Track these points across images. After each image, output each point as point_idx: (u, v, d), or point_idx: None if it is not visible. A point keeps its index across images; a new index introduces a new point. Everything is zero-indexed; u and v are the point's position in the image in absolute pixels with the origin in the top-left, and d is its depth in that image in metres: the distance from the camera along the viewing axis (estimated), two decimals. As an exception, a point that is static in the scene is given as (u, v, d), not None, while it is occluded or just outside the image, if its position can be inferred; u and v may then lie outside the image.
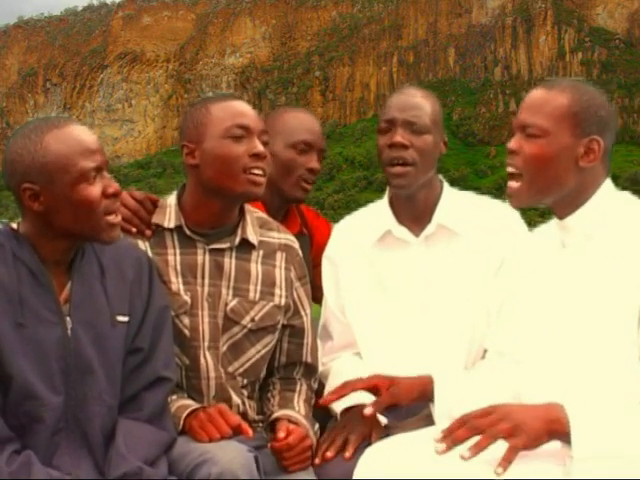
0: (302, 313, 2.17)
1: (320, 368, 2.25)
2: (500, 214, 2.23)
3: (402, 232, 2.20)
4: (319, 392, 2.20)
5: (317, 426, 2.06)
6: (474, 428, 1.57)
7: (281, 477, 1.88)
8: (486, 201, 2.29)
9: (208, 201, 2.03)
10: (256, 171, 1.97)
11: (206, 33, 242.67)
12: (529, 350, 1.86)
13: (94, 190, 1.69)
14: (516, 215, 2.24)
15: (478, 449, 1.53)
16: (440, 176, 2.28)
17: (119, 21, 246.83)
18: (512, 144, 1.82)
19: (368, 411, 1.83)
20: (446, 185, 2.27)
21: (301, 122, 2.49)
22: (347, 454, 1.91)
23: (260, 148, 1.98)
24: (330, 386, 2.17)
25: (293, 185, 2.44)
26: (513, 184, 1.82)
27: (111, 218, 1.73)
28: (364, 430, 1.97)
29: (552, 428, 1.57)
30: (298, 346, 2.16)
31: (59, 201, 1.68)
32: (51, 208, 1.69)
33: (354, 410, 2.01)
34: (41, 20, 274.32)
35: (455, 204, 2.21)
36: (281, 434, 1.88)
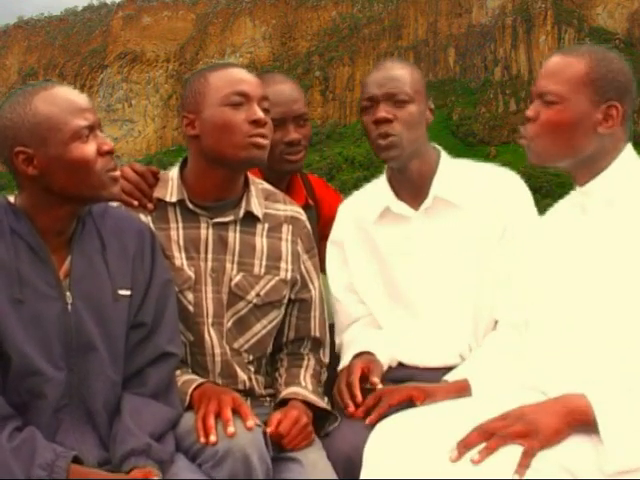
0: (310, 287, 2.14)
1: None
2: (501, 180, 2.19)
3: (400, 207, 2.18)
4: (334, 365, 2.20)
5: (327, 399, 2.03)
6: (485, 432, 1.55)
7: (290, 453, 1.86)
8: (486, 169, 2.25)
9: (211, 171, 1.99)
10: (258, 137, 1.94)
11: (206, 33, 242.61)
12: (545, 320, 1.81)
13: (88, 148, 1.65)
14: (518, 180, 2.21)
15: (488, 451, 1.51)
16: (436, 146, 2.25)
17: (119, 21, 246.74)
18: (530, 111, 1.79)
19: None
20: (444, 155, 2.22)
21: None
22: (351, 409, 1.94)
23: (260, 114, 1.94)
24: (346, 355, 2.17)
25: (277, 161, 2.37)
26: (522, 142, 1.81)
27: (111, 173, 1.69)
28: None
29: (572, 419, 1.53)
30: (306, 320, 2.13)
31: (53, 162, 1.64)
32: (46, 170, 1.65)
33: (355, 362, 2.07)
34: (41, 20, 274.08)
35: (453, 175, 2.18)
36: (270, 428, 1.83)
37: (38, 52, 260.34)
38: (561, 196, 1.95)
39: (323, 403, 1.98)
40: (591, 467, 1.52)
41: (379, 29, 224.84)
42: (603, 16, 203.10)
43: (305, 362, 2.12)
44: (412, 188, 2.18)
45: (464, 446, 1.54)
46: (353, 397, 1.95)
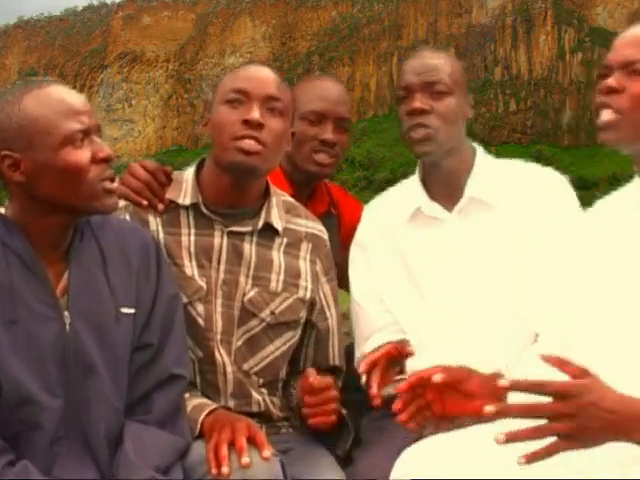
0: (327, 314, 1.98)
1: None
2: (541, 180, 2.03)
3: (433, 208, 2.02)
4: (356, 385, 1.98)
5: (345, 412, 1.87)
6: (535, 411, 1.33)
7: None
8: (526, 167, 2.10)
9: (220, 174, 1.84)
10: (244, 140, 1.76)
11: (206, 33, 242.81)
12: (595, 327, 1.64)
13: (81, 155, 1.50)
14: (561, 179, 2.05)
15: (516, 438, 1.30)
16: (473, 143, 2.11)
17: (119, 21, 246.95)
18: (613, 81, 1.64)
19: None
20: (480, 152, 2.08)
21: (314, 90, 2.27)
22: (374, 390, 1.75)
23: (253, 115, 1.76)
24: (361, 336, 2.05)
25: (305, 159, 2.23)
26: (608, 115, 1.65)
27: (107, 184, 1.53)
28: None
29: (623, 436, 1.32)
30: (324, 350, 1.98)
31: (41, 169, 1.49)
32: (33, 177, 1.50)
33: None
34: (41, 20, 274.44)
35: (489, 173, 2.03)
36: (308, 379, 1.69)
37: (38, 52, 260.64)
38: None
39: (342, 410, 1.82)
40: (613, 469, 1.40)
41: (379, 29, 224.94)
42: (603, 16, 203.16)
43: None
44: (446, 188, 2.03)
45: (504, 412, 1.33)
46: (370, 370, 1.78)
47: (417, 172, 2.10)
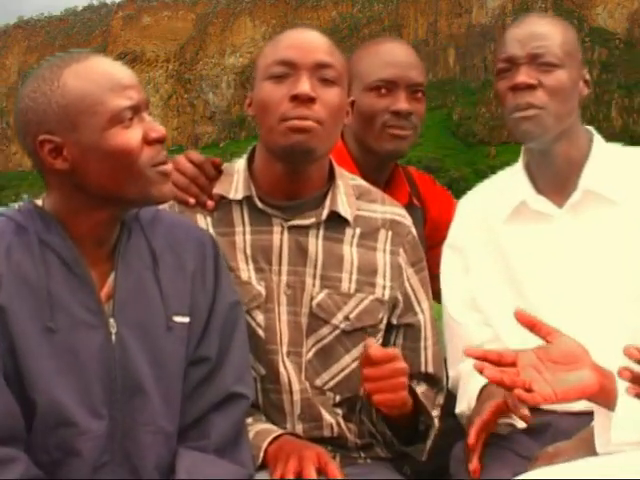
0: (417, 309, 1.72)
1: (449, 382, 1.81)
2: None
3: (540, 202, 1.77)
4: (448, 410, 1.75)
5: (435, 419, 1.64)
6: None
7: None
8: None
9: (272, 161, 1.61)
10: (294, 120, 1.53)
11: (206, 33, 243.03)
12: None
13: (131, 135, 1.32)
14: None
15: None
16: (589, 127, 1.85)
17: (119, 21, 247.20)
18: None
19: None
20: (597, 138, 1.81)
21: (378, 56, 2.00)
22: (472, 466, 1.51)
23: (302, 88, 1.52)
24: (465, 392, 1.74)
25: (377, 136, 1.98)
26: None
27: (161, 168, 1.35)
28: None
29: None
30: (414, 352, 1.68)
31: (87, 153, 1.31)
32: (78, 164, 1.31)
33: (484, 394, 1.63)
34: (41, 20, 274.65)
35: (608, 163, 1.76)
36: (367, 349, 1.45)
37: (38, 52, 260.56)
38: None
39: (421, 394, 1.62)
40: None
41: (379, 29, 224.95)
42: (603, 16, 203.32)
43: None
44: (556, 178, 1.77)
45: None
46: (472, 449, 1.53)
47: (521, 160, 1.85)
